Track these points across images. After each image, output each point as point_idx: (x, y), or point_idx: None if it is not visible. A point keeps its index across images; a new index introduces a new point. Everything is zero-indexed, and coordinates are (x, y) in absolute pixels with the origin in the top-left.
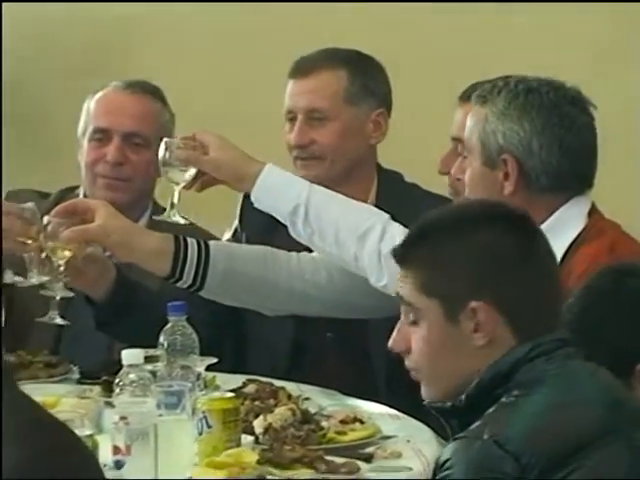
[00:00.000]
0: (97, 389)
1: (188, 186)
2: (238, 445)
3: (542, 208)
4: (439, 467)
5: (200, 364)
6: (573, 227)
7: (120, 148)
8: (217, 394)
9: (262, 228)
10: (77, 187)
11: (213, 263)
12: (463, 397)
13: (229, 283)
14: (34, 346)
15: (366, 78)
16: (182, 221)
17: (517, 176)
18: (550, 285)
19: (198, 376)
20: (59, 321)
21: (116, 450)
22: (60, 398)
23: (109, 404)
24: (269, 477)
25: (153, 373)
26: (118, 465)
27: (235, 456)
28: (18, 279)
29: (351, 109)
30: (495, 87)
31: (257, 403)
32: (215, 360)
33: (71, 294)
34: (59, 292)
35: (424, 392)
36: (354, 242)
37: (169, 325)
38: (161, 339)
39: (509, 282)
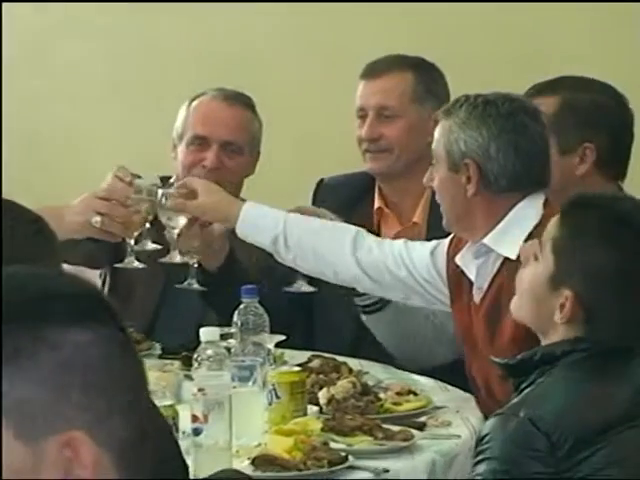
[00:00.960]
0: (177, 363)
1: (187, 229)
2: (304, 414)
3: (501, 207)
4: (479, 441)
5: (270, 341)
6: (530, 220)
7: (218, 155)
8: (285, 368)
9: (336, 213)
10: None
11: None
12: (519, 357)
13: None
14: (134, 321)
15: (429, 81)
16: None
17: (478, 179)
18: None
19: (268, 352)
20: (196, 287)
21: (194, 418)
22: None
23: (188, 377)
24: (332, 443)
25: (228, 349)
26: (196, 432)
27: (301, 424)
28: (136, 247)
29: (416, 108)
30: (458, 102)
31: (321, 376)
32: (283, 337)
33: (191, 260)
34: (177, 259)
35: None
36: (332, 259)
37: (242, 306)
38: (235, 318)
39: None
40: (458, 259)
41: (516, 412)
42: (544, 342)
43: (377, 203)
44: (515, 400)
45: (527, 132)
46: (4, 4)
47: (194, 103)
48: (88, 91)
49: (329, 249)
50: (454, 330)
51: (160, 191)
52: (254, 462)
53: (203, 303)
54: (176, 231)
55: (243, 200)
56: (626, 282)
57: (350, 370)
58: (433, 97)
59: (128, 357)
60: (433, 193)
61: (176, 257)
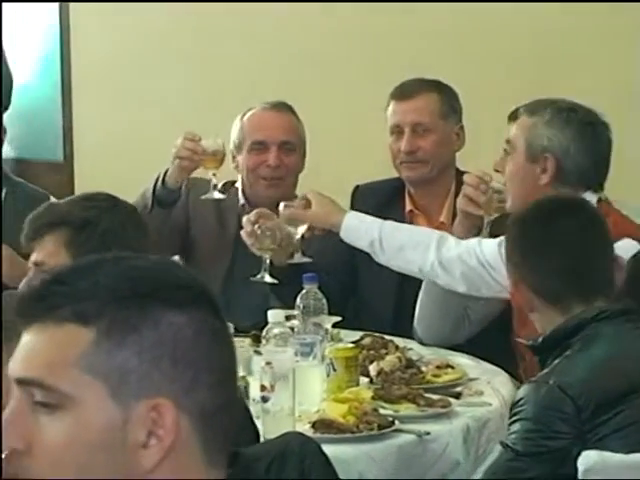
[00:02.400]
0: (248, 340)
1: (306, 234)
2: (357, 384)
3: None
4: (514, 404)
5: (328, 322)
6: None
7: (277, 154)
8: (341, 345)
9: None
10: (235, 182)
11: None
12: (540, 339)
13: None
14: None
15: (451, 100)
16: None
17: (554, 172)
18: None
19: (326, 331)
20: (269, 279)
21: (263, 388)
22: None
23: (257, 352)
24: (381, 410)
25: (292, 328)
26: (264, 400)
27: (354, 393)
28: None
29: (443, 123)
30: (541, 103)
31: (372, 352)
32: (339, 319)
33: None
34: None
35: None
36: (418, 258)
37: (304, 291)
38: (298, 302)
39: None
40: None
41: (546, 380)
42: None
43: (408, 206)
44: (545, 370)
45: (603, 140)
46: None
47: (246, 116)
48: (161, 94)
49: (415, 252)
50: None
51: (282, 204)
52: (314, 425)
53: (264, 290)
54: (297, 236)
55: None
56: None
57: (396, 347)
58: (454, 113)
59: (219, 342)
60: (455, 195)
61: (298, 258)
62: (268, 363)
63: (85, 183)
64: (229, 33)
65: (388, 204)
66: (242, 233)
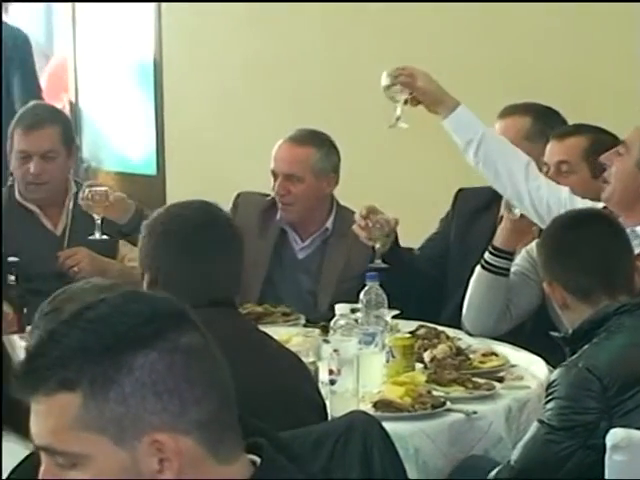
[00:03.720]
0: (317, 330)
1: (402, 102)
2: (412, 369)
3: None
4: (549, 385)
5: (388, 314)
6: None
7: (283, 184)
8: (399, 335)
9: (468, 216)
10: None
11: None
12: (570, 331)
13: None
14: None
15: (539, 122)
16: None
17: None
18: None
19: (386, 323)
20: (381, 265)
21: (330, 372)
22: (292, 336)
23: (326, 341)
24: (433, 392)
25: (356, 320)
26: (332, 382)
27: (411, 377)
28: None
29: (529, 144)
30: None
31: (426, 341)
32: (398, 312)
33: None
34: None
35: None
36: (507, 181)
37: (367, 287)
38: (361, 297)
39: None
40: None
41: (576, 363)
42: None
43: (502, 211)
44: (575, 355)
45: None
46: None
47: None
48: (250, 109)
49: (507, 171)
50: None
51: (384, 74)
52: (375, 405)
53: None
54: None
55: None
56: None
57: (448, 337)
58: (542, 135)
59: (193, 358)
60: None
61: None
62: (335, 350)
63: (176, 195)
64: (317, 44)
65: (485, 208)
66: (354, 227)
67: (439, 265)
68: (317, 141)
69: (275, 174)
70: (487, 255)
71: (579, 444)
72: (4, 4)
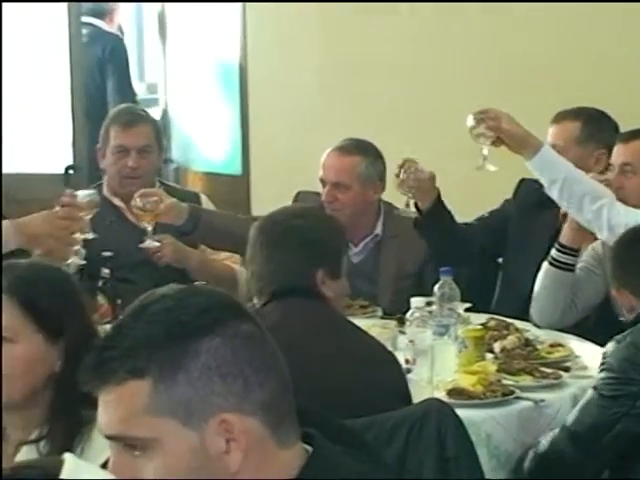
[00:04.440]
0: (394, 322)
1: (489, 144)
2: (483, 359)
3: None
4: (602, 357)
5: (460, 307)
6: None
7: (330, 192)
8: (471, 326)
9: (530, 207)
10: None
11: None
12: (632, 316)
13: None
14: None
15: (592, 125)
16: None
17: None
18: None
19: (458, 315)
20: (414, 213)
21: (407, 361)
22: (370, 328)
23: (402, 332)
24: (503, 380)
25: (430, 312)
26: (408, 371)
27: (482, 367)
28: None
29: (580, 148)
30: None
31: (496, 332)
32: (469, 305)
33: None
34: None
35: None
36: (589, 217)
37: (440, 282)
38: (435, 290)
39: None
40: None
41: (624, 339)
42: None
43: (563, 212)
44: (625, 333)
45: None
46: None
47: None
48: (333, 111)
49: (591, 211)
50: None
51: (470, 116)
52: (449, 393)
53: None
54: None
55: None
56: None
57: (517, 329)
58: (593, 140)
59: (252, 343)
60: None
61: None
62: (411, 341)
63: (260, 194)
64: (400, 47)
65: (546, 202)
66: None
67: (494, 239)
68: (363, 150)
69: (323, 182)
70: (554, 252)
71: (624, 412)
72: (109, 10)
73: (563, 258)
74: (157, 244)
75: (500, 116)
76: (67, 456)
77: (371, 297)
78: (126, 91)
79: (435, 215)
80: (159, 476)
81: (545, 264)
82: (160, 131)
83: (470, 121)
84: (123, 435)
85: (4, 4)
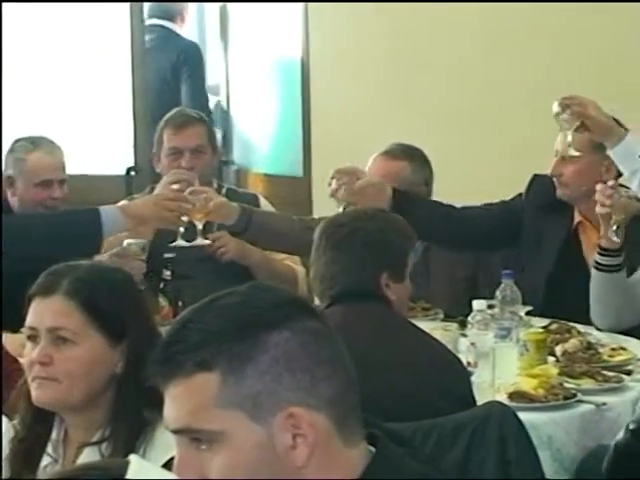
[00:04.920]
0: (455, 325)
1: (573, 129)
2: (545, 362)
3: None
4: None
5: (522, 310)
6: None
7: None
8: (532, 329)
9: (543, 205)
10: None
11: None
12: None
13: None
14: None
15: None
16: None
17: None
18: None
19: (520, 318)
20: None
21: (468, 364)
22: (432, 330)
23: (463, 335)
24: (565, 384)
25: (492, 315)
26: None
27: (543, 370)
28: None
29: (592, 156)
30: None
31: (558, 336)
32: (531, 308)
33: None
34: None
35: None
36: None
37: (502, 285)
38: (497, 293)
39: None
40: None
41: None
42: None
43: (577, 217)
44: None
45: None
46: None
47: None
48: (395, 112)
49: None
50: None
51: (556, 103)
52: (510, 396)
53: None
54: None
55: None
56: None
57: (578, 332)
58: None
59: (321, 339)
60: None
61: None
62: (472, 343)
63: (322, 196)
64: (462, 44)
65: (559, 205)
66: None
67: (500, 229)
68: (409, 155)
69: None
70: (597, 257)
71: None
72: (179, 11)
73: (606, 260)
74: (207, 242)
75: (587, 103)
76: (133, 457)
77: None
78: (200, 96)
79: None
80: (224, 470)
81: (593, 271)
82: (213, 132)
83: (555, 107)
84: (190, 428)
85: (67, 5)
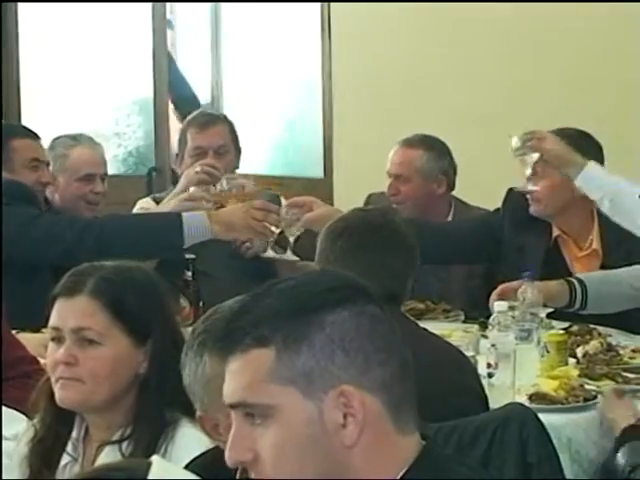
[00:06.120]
0: (476, 326)
1: (534, 170)
2: (565, 364)
3: None
4: None
5: (542, 312)
6: None
7: (394, 185)
8: (553, 331)
9: (521, 218)
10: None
11: None
12: None
13: None
14: None
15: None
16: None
17: None
18: None
19: (541, 320)
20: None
21: (489, 365)
22: (452, 331)
23: (484, 336)
24: (586, 385)
25: (513, 317)
26: (490, 375)
27: (564, 371)
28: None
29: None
30: None
31: (578, 338)
32: (552, 310)
33: None
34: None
35: None
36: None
37: (523, 286)
38: (518, 295)
39: None
40: None
41: None
42: None
43: (555, 231)
44: None
45: None
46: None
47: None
48: (418, 112)
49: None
50: None
51: (515, 138)
52: (530, 397)
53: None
54: None
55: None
56: None
57: (599, 334)
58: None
59: (377, 323)
60: (599, 220)
61: None
62: (493, 345)
63: (343, 197)
64: (484, 55)
65: (536, 219)
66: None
67: (478, 243)
68: (428, 145)
69: (389, 175)
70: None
71: None
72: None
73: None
74: (296, 258)
75: (545, 136)
76: (155, 458)
77: (439, 295)
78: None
79: None
80: (275, 445)
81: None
82: (235, 132)
83: (514, 141)
84: (245, 402)
85: (101, 5)
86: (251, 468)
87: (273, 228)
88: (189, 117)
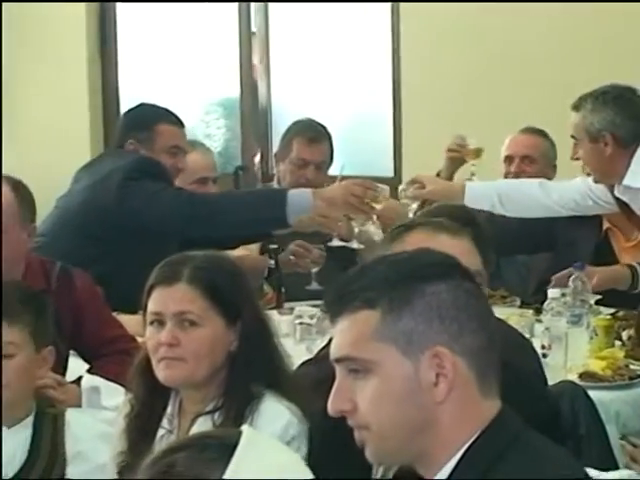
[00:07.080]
0: (531, 311)
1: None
2: (612, 346)
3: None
4: None
5: (592, 298)
6: None
7: (518, 165)
8: (601, 316)
9: (571, 216)
10: None
11: None
12: None
13: None
14: None
15: None
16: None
17: (612, 142)
18: None
19: (590, 305)
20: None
21: (543, 347)
22: (509, 316)
23: (539, 320)
24: (630, 365)
25: (565, 303)
26: (544, 356)
27: (611, 353)
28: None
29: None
30: (582, 99)
31: (624, 322)
32: (600, 297)
33: None
34: None
35: None
36: (536, 207)
37: (574, 276)
38: (570, 282)
39: None
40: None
41: None
42: None
43: (605, 224)
44: None
45: (636, 103)
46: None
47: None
48: (481, 110)
49: (534, 206)
50: None
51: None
52: (581, 376)
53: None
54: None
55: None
56: None
57: None
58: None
59: (472, 297)
60: None
61: None
62: (547, 328)
63: None
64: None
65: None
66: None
67: (529, 233)
68: (544, 134)
69: (511, 158)
70: None
71: None
72: None
73: None
74: (361, 247)
75: (425, 182)
76: (245, 428)
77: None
78: None
79: None
80: (374, 397)
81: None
82: (333, 146)
83: (402, 185)
84: (349, 356)
85: (191, 5)
86: (350, 417)
87: (376, 205)
88: (297, 125)
